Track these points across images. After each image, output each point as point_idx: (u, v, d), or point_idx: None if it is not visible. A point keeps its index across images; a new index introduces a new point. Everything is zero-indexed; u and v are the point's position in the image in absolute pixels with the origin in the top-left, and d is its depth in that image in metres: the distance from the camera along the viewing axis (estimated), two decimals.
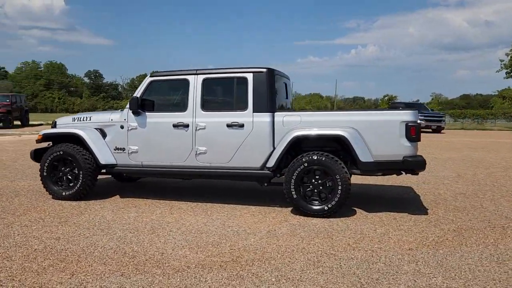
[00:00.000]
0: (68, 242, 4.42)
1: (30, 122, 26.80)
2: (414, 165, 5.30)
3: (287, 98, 6.65)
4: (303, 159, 5.41)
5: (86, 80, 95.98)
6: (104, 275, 3.59)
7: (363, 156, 5.31)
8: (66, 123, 6.54)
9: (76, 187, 6.14)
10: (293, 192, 5.46)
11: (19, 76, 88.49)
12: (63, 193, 6.19)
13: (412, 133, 5.24)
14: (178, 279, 3.52)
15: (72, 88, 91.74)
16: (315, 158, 5.37)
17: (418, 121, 5.46)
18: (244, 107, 5.67)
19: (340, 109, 48.80)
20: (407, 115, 5.29)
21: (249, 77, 5.67)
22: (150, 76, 6.12)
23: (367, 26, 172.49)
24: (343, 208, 5.75)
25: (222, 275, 3.62)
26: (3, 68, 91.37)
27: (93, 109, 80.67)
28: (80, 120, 6.46)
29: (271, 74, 5.69)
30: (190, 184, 7.58)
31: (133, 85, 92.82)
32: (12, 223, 5.07)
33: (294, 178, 5.44)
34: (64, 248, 4.22)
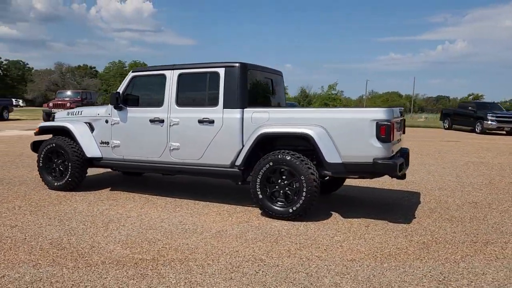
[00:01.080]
0: (20, 230, 4.60)
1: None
2: (383, 168, 4.81)
3: (273, 94, 6.38)
4: (269, 158, 5.15)
5: None
6: (18, 264, 3.68)
7: (330, 156, 4.93)
8: (62, 117, 6.85)
9: (65, 179, 6.40)
10: (259, 192, 5.23)
11: (107, 75, 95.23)
12: (55, 184, 6.50)
13: (382, 132, 4.75)
14: (81, 274, 3.50)
15: None
16: (280, 157, 5.09)
17: (395, 120, 4.97)
18: (215, 103, 5.52)
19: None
20: (378, 113, 4.81)
21: (221, 72, 5.51)
22: (132, 72, 6.20)
23: (456, 20, 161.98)
24: (321, 211, 5.45)
25: (126, 273, 3.54)
26: (94, 67, 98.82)
27: None
28: (73, 114, 6.73)
29: (243, 69, 5.47)
30: (185, 180, 7.58)
31: None
32: None
33: (259, 177, 5.21)
34: (10, 236, 4.40)
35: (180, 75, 5.78)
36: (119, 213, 5.35)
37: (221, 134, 5.46)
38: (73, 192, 6.39)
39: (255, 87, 5.90)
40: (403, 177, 5.69)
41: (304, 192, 4.99)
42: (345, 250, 4.17)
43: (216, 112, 5.49)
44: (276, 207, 5.16)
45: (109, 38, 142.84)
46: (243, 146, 5.38)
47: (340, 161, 4.93)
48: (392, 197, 6.59)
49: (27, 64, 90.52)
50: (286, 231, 4.74)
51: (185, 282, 3.37)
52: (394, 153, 5.22)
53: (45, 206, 5.62)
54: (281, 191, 5.18)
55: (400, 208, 5.89)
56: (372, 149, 4.81)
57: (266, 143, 5.45)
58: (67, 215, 5.19)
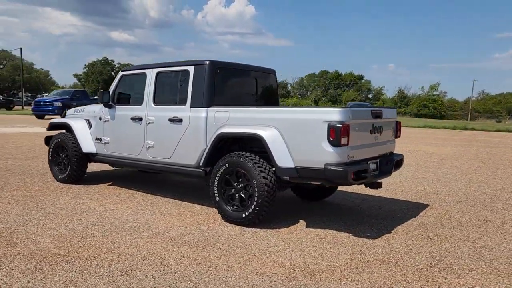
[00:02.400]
0: None
1: None
2: (332, 174, 4.30)
3: (257, 93, 6.09)
4: (226, 160, 4.93)
5: None
6: None
7: (281, 160, 4.56)
8: (70, 114, 7.26)
9: (67, 172, 6.78)
10: (216, 194, 5.02)
11: None
12: (59, 176, 6.92)
13: (332, 135, 4.25)
14: None
15: None
16: (235, 159, 4.84)
17: (357, 122, 4.43)
18: (184, 101, 5.42)
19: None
20: (332, 114, 4.32)
21: (191, 70, 5.39)
22: (122, 71, 6.35)
23: None
24: (291, 218, 5.14)
25: (25, 266, 3.60)
26: None
27: None
28: (78, 112, 7.09)
29: (212, 67, 5.29)
30: (188, 180, 7.58)
31: (302, 83, 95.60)
32: None
33: (217, 179, 5.00)
34: None
35: (157, 74, 5.78)
36: (90, 207, 5.50)
37: (188, 133, 5.35)
38: (74, 185, 6.74)
39: (230, 86, 5.68)
40: (375, 186, 5.08)
41: (255, 197, 4.68)
42: (266, 262, 3.81)
43: (184, 111, 5.39)
44: (230, 211, 4.91)
45: (213, 41, 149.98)
46: (207, 146, 5.21)
47: (292, 166, 4.53)
48: (390, 208, 5.91)
49: None
50: (227, 237, 4.48)
51: (65, 281, 3.33)
52: (364, 158, 4.67)
53: (34, 197, 5.98)
54: (237, 195, 4.92)
55: (386, 221, 5.26)
56: (323, 154, 4.34)
57: (233, 144, 5.23)
58: (41, 206, 5.47)
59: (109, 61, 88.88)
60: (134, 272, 3.54)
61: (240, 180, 4.89)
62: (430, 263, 3.91)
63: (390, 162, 5.17)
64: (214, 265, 3.73)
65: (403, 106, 71.78)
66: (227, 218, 4.94)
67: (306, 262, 3.84)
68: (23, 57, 47.57)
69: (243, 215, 4.78)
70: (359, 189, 7.00)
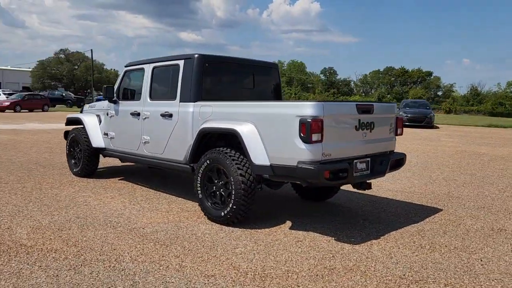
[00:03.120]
0: None
1: None
2: (303, 173, 4.00)
3: (254, 88, 5.87)
4: (207, 156, 4.79)
5: (322, 77, 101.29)
6: None
7: (256, 157, 4.33)
8: (86, 109, 7.48)
9: (80, 166, 7.00)
10: (199, 191, 4.90)
11: None
12: (74, 170, 7.17)
13: (303, 131, 3.95)
14: None
15: (309, 85, 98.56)
16: (215, 155, 4.68)
17: (336, 117, 4.10)
18: (174, 96, 5.35)
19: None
20: (304, 108, 4.02)
21: (181, 64, 5.31)
22: (125, 66, 6.41)
23: None
24: (280, 218, 4.94)
25: None
26: None
27: None
28: (91, 107, 7.29)
29: (200, 61, 5.16)
30: None
31: (365, 81, 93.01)
32: None
33: (200, 175, 4.88)
34: None
35: (153, 69, 5.76)
36: (86, 201, 5.61)
37: (177, 128, 5.27)
38: (86, 179, 6.94)
39: (223, 81, 5.53)
40: (363, 186, 4.68)
41: (233, 195, 4.49)
42: (222, 264, 3.62)
43: (174, 106, 5.32)
44: (211, 209, 4.77)
45: (278, 39, 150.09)
46: (192, 141, 5.10)
47: (268, 163, 4.28)
48: (394, 212, 5.45)
49: None
50: (199, 235, 4.34)
51: (12, 272, 3.37)
52: (348, 156, 4.32)
53: (42, 189, 6.22)
54: (218, 192, 4.76)
55: (381, 225, 4.84)
56: (296, 151, 4.05)
57: (219, 140, 5.07)
58: (42, 198, 5.66)
59: None
60: (82, 267, 3.50)
61: (220, 177, 4.73)
62: (404, 275, 3.50)
63: (385, 162, 4.74)
64: (167, 264, 3.61)
65: (476, 104, 67.25)
66: (209, 216, 4.80)
67: (264, 266, 3.61)
68: (95, 58, 50.53)
69: (222, 214, 4.62)
70: (372, 190, 6.57)
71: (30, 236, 4.20)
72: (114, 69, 70.69)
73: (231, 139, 4.91)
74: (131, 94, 6.23)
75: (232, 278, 3.37)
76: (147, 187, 6.48)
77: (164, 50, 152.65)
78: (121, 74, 6.42)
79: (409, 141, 14.46)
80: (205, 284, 3.25)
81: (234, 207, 4.48)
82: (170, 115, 5.34)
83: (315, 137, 3.94)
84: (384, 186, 6.93)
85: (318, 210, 5.47)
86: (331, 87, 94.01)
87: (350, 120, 4.36)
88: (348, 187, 5.61)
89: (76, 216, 4.91)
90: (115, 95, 6.34)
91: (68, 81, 59.75)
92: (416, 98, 55.54)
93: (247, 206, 4.50)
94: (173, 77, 5.43)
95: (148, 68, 5.83)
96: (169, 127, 5.36)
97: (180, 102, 5.24)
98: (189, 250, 3.94)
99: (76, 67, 60.89)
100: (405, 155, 5.16)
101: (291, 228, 4.67)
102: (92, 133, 6.79)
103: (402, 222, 5.01)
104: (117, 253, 3.83)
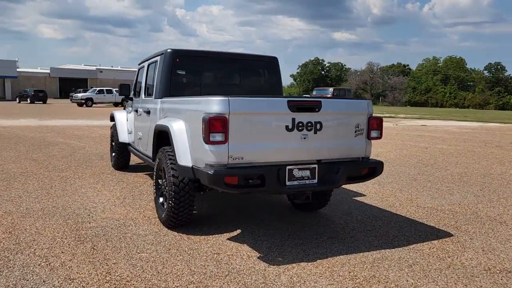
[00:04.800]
0: None
1: None
2: (204, 178, 3.54)
3: (241, 84, 5.42)
4: (157, 154, 4.62)
5: (486, 73, 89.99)
6: None
7: (180, 157, 4.00)
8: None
9: (114, 159, 7.47)
10: (154, 191, 4.76)
11: (420, 72, 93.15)
12: (111, 162, 7.68)
13: (202, 130, 3.49)
14: None
15: (469, 83, 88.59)
16: (160, 154, 4.49)
17: (252, 114, 3.54)
18: (152, 93, 5.30)
19: None
20: (210, 105, 3.56)
21: (158, 60, 5.22)
22: (139, 64, 6.56)
23: None
24: (240, 226, 4.54)
25: None
26: (407, 65, 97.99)
27: (484, 104, 75.41)
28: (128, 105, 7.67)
29: (170, 56, 4.99)
30: None
31: None
32: (37, 174, 6.99)
33: (154, 174, 4.73)
34: None
35: (148, 66, 5.79)
36: (82, 192, 5.88)
37: (151, 125, 5.20)
38: (117, 171, 7.35)
39: (199, 76, 5.26)
40: (308, 202, 3.93)
41: (167, 197, 4.24)
42: (99, 268, 3.43)
43: (151, 103, 5.27)
44: (158, 209, 4.59)
45: (440, 34, 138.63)
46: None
47: (190, 165, 3.91)
48: (381, 232, 4.48)
49: (345, 65, 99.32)
50: (129, 236, 4.19)
51: None
52: (275, 161, 3.70)
53: (65, 178, 6.76)
54: (164, 193, 4.55)
55: (342, 249, 4.03)
56: (203, 152, 3.62)
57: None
58: (52, 186, 6.13)
59: (320, 61, 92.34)
60: None
61: (164, 177, 4.50)
62: None
63: (340, 171, 3.91)
64: (54, 263, 3.55)
65: None
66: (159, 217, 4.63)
67: (137, 275, 3.30)
68: None
69: (162, 215, 4.40)
70: (381, 202, 5.57)
71: None
72: None
73: None
74: (138, 92, 6.38)
75: (90, 283, 3.16)
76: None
77: (317, 50, 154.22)
78: (137, 71, 6.62)
79: None
80: (69, 285, 3.11)
81: (169, 210, 4.22)
82: (149, 112, 5.30)
83: (215, 137, 3.46)
84: (421, 203, 5.79)
85: (298, 221, 4.81)
86: (496, 85, 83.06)
87: (277, 119, 3.70)
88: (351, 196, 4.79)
89: (54, 206, 5.19)
90: (131, 92, 6.55)
91: None
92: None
93: (180, 209, 4.18)
94: (155, 74, 5.37)
95: (146, 66, 5.89)
96: (148, 123, 5.33)
97: (154, 98, 5.16)
98: (95, 250, 3.82)
99: None
100: (380, 163, 4.19)
101: (230, 238, 4.20)
102: (120, 128, 7.15)
103: (378, 245, 4.08)
104: (29, 245, 3.89)
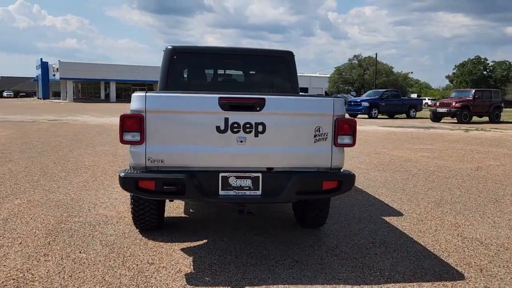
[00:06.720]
0: None
1: (502, 119, 24.83)
2: (120, 182, 3.24)
3: (244, 80, 4.96)
4: None
5: None
6: None
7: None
8: None
9: None
10: None
11: None
12: None
13: (120, 129, 3.22)
14: None
15: None
16: None
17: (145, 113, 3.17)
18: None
19: None
20: (134, 101, 3.26)
21: (163, 57, 5.12)
22: None
23: None
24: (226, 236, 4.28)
25: None
26: None
27: None
28: None
29: (169, 52, 4.81)
30: None
31: None
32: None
33: None
34: None
35: None
36: (85, 186, 6.10)
37: None
38: None
39: (200, 73, 4.97)
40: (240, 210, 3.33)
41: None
42: (30, 269, 3.45)
43: None
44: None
45: None
46: None
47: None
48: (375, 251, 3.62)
49: None
50: (95, 235, 4.15)
51: None
52: (204, 166, 3.26)
53: (76, 169, 7.13)
54: None
55: (317, 268, 3.36)
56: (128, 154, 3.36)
57: None
58: (63, 180, 6.48)
59: (482, 60, 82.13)
60: None
61: None
62: None
63: (290, 183, 3.23)
64: (6, 250, 3.71)
65: None
66: None
67: (45, 277, 3.21)
68: (384, 62, 50.85)
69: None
70: (413, 225, 4.57)
71: None
72: (402, 72, 69.24)
73: None
74: None
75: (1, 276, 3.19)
76: None
77: (483, 48, 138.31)
78: None
79: None
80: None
81: (131, 212, 4.07)
82: None
83: (128, 136, 3.18)
84: (467, 233, 4.59)
85: (285, 236, 4.20)
86: None
87: (206, 119, 3.22)
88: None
89: (48, 198, 5.38)
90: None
91: (359, 84, 62.68)
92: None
93: (140, 214, 3.97)
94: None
95: None
96: None
97: None
98: (53, 244, 3.87)
99: (366, 71, 63.25)
100: (349, 176, 3.34)
101: (185, 248, 3.84)
102: None
103: (344, 280, 3.30)
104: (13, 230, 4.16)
